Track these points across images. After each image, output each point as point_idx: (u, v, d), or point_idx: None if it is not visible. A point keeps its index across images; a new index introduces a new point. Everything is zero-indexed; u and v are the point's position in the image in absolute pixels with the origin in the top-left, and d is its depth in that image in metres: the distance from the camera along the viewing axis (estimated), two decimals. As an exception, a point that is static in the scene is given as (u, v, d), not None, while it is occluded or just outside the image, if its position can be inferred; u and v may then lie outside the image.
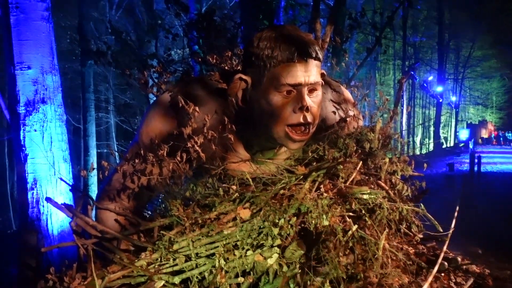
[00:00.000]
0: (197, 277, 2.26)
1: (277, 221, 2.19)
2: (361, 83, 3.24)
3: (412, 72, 21.11)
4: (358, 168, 2.53)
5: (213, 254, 2.27)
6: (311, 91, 2.52)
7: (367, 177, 2.64)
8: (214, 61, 3.11)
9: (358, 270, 2.32)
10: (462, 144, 34.07)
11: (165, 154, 2.37)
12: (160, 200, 2.69)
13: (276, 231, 2.14)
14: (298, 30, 2.55)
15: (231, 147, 2.64)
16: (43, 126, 4.64)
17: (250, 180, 2.40)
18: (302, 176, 2.45)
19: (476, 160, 14.97)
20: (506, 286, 2.91)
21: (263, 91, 2.50)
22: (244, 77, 2.56)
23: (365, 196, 2.43)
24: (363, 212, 2.40)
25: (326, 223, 2.21)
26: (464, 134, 39.04)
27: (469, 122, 48.78)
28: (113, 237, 2.45)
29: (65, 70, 19.35)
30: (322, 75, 2.69)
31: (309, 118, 2.50)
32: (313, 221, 2.23)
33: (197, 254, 2.30)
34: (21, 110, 4.70)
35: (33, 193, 4.65)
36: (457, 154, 26.38)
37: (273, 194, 2.31)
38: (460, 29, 34.02)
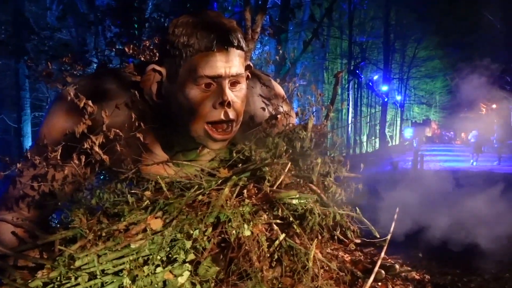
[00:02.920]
0: (102, 298, 1.97)
1: (191, 232, 1.92)
2: (295, 79, 2.99)
3: (357, 71, 21.30)
4: (287, 170, 2.28)
5: (122, 271, 1.99)
6: (234, 84, 2.26)
7: (298, 180, 2.40)
8: (131, 51, 2.80)
9: (286, 284, 2.08)
10: (407, 143, 34.82)
11: (58, 156, 2.04)
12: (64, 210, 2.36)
13: (189, 244, 1.86)
14: (220, 16, 2.28)
15: (147, 147, 2.34)
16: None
17: (164, 185, 2.11)
18: (223, 180, 2.18)
19: (418, 158, 15.26)
20: (446, 293, 2.77)
21: (179, 84, 2.22)
22: (158, 68, 2.26)
23: (294, 201, 2.19)
24: (291, 219, 2.16)
25: (247, 233, 1.96)
26: (408, 132, 39.95)
27: (413, 120, 50.07)
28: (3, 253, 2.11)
29: (1, 68, 18.29)
30: (248, 67, 2.43)
31: (231, 115, 2.24)
32: (234, 231, 1.97)
33: (103, 271, 2.00)
34: None
35: None
36: (402, 152, 26.92)
37: (188, 201, 2.03)
38: (406, 30, 34.82)
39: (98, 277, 1.98)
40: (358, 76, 22.09)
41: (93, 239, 2.01)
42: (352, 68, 21.77)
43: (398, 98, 40.50)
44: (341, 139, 2.71)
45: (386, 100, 29.90)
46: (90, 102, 2.08)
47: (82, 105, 2.03)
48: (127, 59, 3.07)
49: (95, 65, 4.16)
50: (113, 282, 1.98)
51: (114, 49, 3.18)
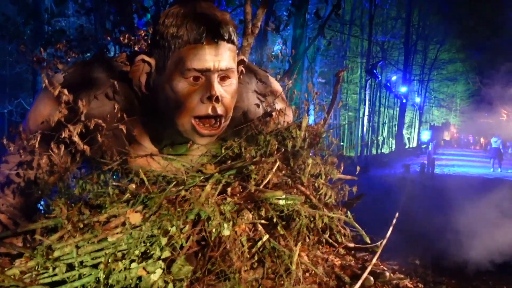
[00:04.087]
0: (79, 290, 1.93)
1: (169, 228, 1.87)
2: (295, 76, 2.92)
3: (375, 71, 20.97)
4: (274, 169, 2.21)
5: (100, 263, 1.95)
6: (223, 78, 2.20)
7: (287, 180, 2.33)
8: (127, 40, 2.75)
9: (266, 286, 2.03)
10: (424, 146, 34.39)
11: (36, 144, 2.00)
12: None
13: (164, 241, 1.81)
14: (213, 8, 2.21)
15: (134, 138, 2.30)
16: None
17: (145, 178, 2.06)
18: (208, 177, 2.12)
19: (430, 162, 15.07)
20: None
21: (167, 76, 2.16)
22: (147, 59, 2.21)
23: (280, 202, 2.12)
24: (275, 220, 2.09)
25: (227, 232, 1.90)
26: (426, 135, 39.44)
27: (432, 123, 49.41)
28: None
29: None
30: (242, 61, 2.37)
31: (220, 110, 2.18)
32: (214, 230, 1.91)
33: (81, 262, 1.97)
34: None
35: None
36: (417, 155, 26.66)
37: (168, 196, 1.98)
38: (428, 31, 34.37)
39: (76, 268, 1.94)
40: (375, 76, 21.71)
41: (72, 230, 1.98)
42: (370, 67, 21.42)
43: (417, 100, 39.98)
44: (337, 140, 2.63)
45: (404, 101, 29.49)
46: (65, 91, 2.03)
47: (56, 93, 1.99)
48: (125, 49, 3.03)
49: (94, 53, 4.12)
50: (90, 274, 1.95)
51: (109, 37, 3.14)
